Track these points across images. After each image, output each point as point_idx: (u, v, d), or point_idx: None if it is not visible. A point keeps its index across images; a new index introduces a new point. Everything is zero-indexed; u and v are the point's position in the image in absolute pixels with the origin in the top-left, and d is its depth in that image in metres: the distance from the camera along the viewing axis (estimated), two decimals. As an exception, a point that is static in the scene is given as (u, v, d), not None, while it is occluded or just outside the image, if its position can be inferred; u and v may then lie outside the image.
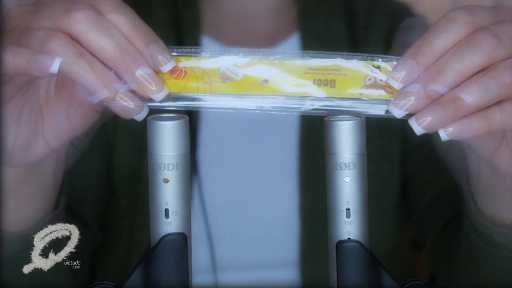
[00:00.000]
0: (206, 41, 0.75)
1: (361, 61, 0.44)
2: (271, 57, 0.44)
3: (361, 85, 0.43)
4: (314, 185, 0.71)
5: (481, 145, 0.46)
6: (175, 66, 0.44)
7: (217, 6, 0.77)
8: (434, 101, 0.41)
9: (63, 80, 0.46)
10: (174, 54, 0.44)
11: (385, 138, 0.74)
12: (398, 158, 0.74)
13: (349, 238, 0.41)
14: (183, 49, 0.45)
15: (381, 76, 0.43)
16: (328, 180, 0.41)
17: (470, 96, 0.40)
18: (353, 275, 0.40)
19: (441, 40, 0.41)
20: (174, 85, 0.43)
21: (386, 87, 0.43)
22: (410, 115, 0.42)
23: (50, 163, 0.51)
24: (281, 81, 0.43)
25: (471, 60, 0.41)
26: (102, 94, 0.42)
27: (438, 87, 0.41)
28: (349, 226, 0.41)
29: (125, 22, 0.43)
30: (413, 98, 0.41)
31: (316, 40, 0.76)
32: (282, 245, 0.73)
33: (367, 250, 0.40)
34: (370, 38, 0.76)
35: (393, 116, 0.42)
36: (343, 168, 0.41)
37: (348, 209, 0.41)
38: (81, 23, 0.42)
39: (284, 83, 0.43)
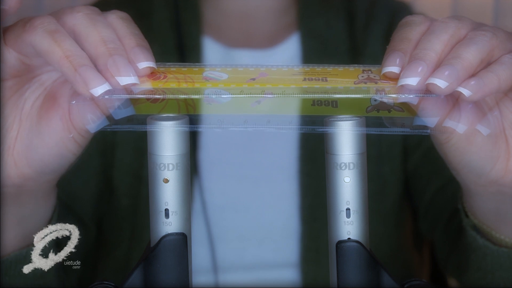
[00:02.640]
0: (207, 42, 0.76)
1: (351, 68, 0.44)
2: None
3: (354, 80, 0.42)
4: (315, 186, 0.71)
5: (486, 157, 0.46)
6: (155, 71, 0.42)
7: (218, 6, 0.77)
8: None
9: (50, 97, 0.45)
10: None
11: (386, 138, 0.74)
12: (399, 158, 0.74)
13: (349, 238, 0.41)
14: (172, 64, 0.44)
15: (373, 75, 0.43)
16: (328, 180, 0.41)
17: (463, 51, 0.41)
18: (353, 275, 0.40)
19: (410, 31, 0.44)
20: (152, 84, 0.42)
21: (382, 80, 0.42)
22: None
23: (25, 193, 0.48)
24: (269, 80, 0.42)
25: (444, 31, 0.43)
26: (66, 68, 0.40)
27: (431, 54, 0.42)
28: (349, 226, 0.41)
29: (122, 26, 0.43)
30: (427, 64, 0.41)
31: (317, 40, 0.76)
32: (283, 246, 0.73)
33: (367, 250, 0.40)
34: (370, 37, 0.76)
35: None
36: (343, 168, 0.41)
37: (348, 209, 0.41)
38: (81, 14, 0.42)
39: (273, 80, 0.42)
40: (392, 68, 0.42)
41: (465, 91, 0.41)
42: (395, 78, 0.42)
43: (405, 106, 0.42)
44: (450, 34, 0.43)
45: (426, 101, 0.42)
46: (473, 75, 0.41)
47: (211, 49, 0.75)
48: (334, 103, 0.41)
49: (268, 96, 0.41)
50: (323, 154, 0.41)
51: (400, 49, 0.43)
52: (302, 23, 0.76)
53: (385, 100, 0.42)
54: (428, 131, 0.42)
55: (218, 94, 0.41)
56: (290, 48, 0.76)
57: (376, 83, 0.42)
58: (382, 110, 0.42)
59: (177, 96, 0.41)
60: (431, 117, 0.44)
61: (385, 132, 0.42)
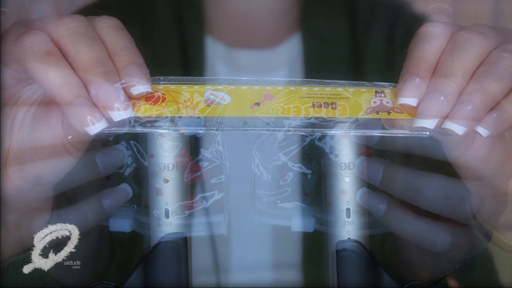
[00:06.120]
0: (210, 42, 0.75)
1: (363, 88, 0.42)
2: (262, 84, 0.41)
3: (366, 107, 0.40)
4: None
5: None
6: (152, 93, 0.40)
7: (220, 6, 0.77)
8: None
9: (42, 108, 0.43)
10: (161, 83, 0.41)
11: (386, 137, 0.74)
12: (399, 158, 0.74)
13: (349, 238, 0.41)
14: (172, 78, 0.42)
15: (386, 99, 0.41)
16: (328, 180, 0.41)
17: (485, 82, 0.39)
18: (353, 275, 0.40)
19: (429, 49, 0.41)
20: (149, 110, 0.39)
21: (395, 108, 0.40)
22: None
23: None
24: (275, 105, 0.40)
25: (467, 52, 0.40)
26: (60, 98, 0.38)
27: (452, 85, 0.39)
28: (349, 226, 0.41)
29: (112, 38, 0.41)
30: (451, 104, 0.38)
31: (318, 40, 0.76)
32: (284, 247, 0.73)
33: (367, 250, 0.40)
34: (371, 36, 0.76)
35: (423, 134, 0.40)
36: (343, 168, 0.41)
37: (348, 209, 0.41)
38: (67, 28, 0.40)
39: (278, 106, 0.40)
40: (408, 100, 0.40)
41: (483, 131, 0.39)
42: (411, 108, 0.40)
43: (404, 109, 0.41)
44: (473, 55, 0.40)
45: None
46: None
47: (212, 49, 0.75)
48: (333, 105, 0.40)
49: (273, 129, 0.40)
50: (323, 154, 0.41)
51: (417, 74, 0.40)
52: (303, 23, 0.76)
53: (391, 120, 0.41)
54: (428, 133, 0.41)
55: (221, 127, 0.40)
56: (292, 48, 0.76)
57: (388, 113, 0.40)
58: (381, 112, 0.40)
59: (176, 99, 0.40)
60: (448, 147, 0.42)
61: (385, 134, 0.41)
